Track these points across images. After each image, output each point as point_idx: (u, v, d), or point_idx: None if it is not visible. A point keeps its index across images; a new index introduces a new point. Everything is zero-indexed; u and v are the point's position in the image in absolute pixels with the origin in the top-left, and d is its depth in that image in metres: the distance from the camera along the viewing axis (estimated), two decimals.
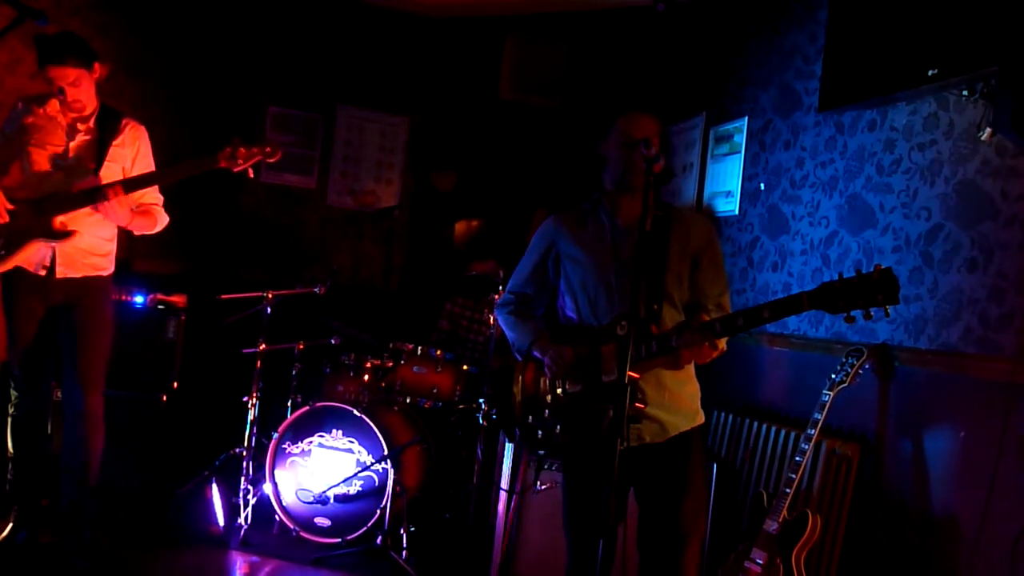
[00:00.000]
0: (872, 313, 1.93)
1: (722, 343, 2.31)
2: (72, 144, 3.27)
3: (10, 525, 3.40)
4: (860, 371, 2.98)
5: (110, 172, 3.30)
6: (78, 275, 3.30)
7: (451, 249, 5.68)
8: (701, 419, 2.48)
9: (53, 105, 3.26)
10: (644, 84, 5.25)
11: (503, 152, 5.66)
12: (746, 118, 4.20)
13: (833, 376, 3.01)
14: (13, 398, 3.37)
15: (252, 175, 3.24)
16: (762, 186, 4.05)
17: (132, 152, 3.37)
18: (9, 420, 3.40)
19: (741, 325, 2.15)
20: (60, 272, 3.26)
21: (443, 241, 5.70)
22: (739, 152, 4.23)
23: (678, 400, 2.42)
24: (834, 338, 3.41)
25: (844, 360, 3.02)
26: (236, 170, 3.20)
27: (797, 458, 3.00)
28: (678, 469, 2.39)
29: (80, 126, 3.29)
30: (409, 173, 5.64)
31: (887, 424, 3.08)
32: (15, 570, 3.28)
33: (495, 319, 4.07)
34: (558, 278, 2.58)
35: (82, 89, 3.21)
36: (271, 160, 3.25)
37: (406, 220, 5.60)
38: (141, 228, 3.40)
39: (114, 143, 3.31)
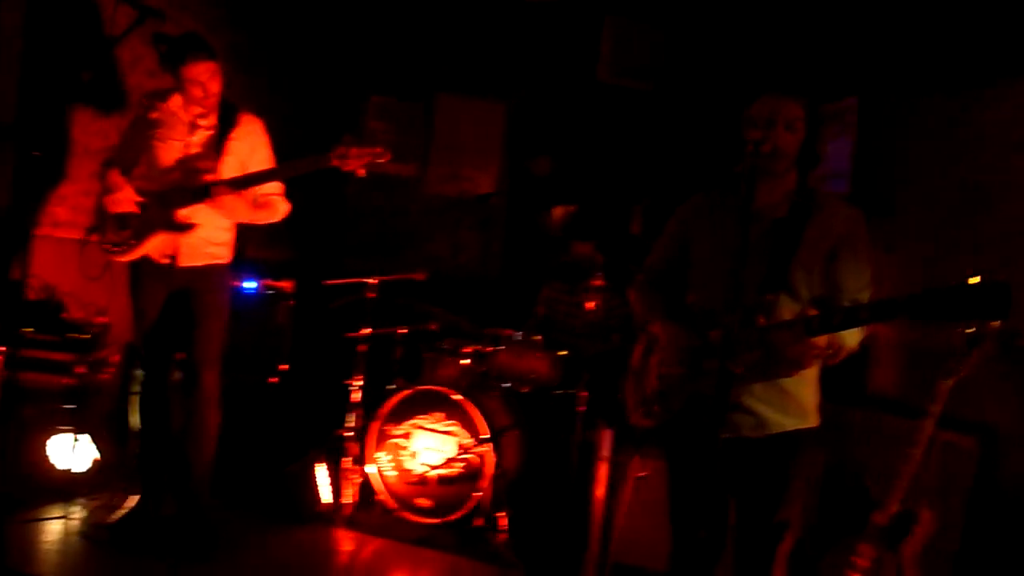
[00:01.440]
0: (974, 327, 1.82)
1: (851, 341, 2.16)
2: (194, 139, 3.41)
3: (136, 498, 3.61)
4: (980, 358, 2.82)
5: (229, 166, 3.43)
6: (199, 264, 3.45)
7: (548, 234, 5.68)
8: (814, 422, 2.36)
9: (176, 100, 3.41)
10: (746, 65, 5.11)
11: (600, 136, 5.61)
12: (857, 97, 4.04)
13: (949, 363, 2.86)
14: (139, 377, 3.57)
15: (362, 174, 3.30)
16: (874, 166, 3.88)
17: (248, 145, 3.49)
18: (138, 399, 3.60)
19: (837, 324, 2.06)
20: (183, 261, 3.42)
21: (540, 226, 5.71)
22: (850, 132, 4.06)
23: (788, 398, 2.30)
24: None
25: (962, 346, 2.86)
26: (346, 169, 3.25)
27: (909, 449, 2.88)
28: (777, 469, 2.30)
29: (201, 121, 3.42)
30: (506, 159, 5.66)
31: (1010, 416, 2.93)
32: (138, 541, 3.47)
33: (594, 304, 4.05)
34: (691, 256, 2.50)
35: (217, 82, 3.36)
36: (380, 161, 3.27)
37: (504, 206, 5.63)
38: (263, 220, 3.51)
39: (231, 136, 3.43)
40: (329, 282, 4.24)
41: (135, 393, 3.59)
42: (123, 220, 3.35)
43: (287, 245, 5.19)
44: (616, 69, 5.56)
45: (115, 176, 3.33)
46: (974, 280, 1.78)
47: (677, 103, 5.43)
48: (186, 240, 3.40)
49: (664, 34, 5.56)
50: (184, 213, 3.34)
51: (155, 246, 3.38)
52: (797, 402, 2.32)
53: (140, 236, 3.35)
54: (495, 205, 5.43)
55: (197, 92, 3.32)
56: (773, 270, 2.25)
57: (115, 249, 3.38)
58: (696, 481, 2.36)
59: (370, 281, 4.14)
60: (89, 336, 3.94)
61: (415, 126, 5.56)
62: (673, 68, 5.53)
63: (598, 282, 4.01)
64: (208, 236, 3.44)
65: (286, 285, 4.41)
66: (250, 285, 4.32)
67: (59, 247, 3.53)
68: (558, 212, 5.62)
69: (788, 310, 2.26)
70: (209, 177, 3.34)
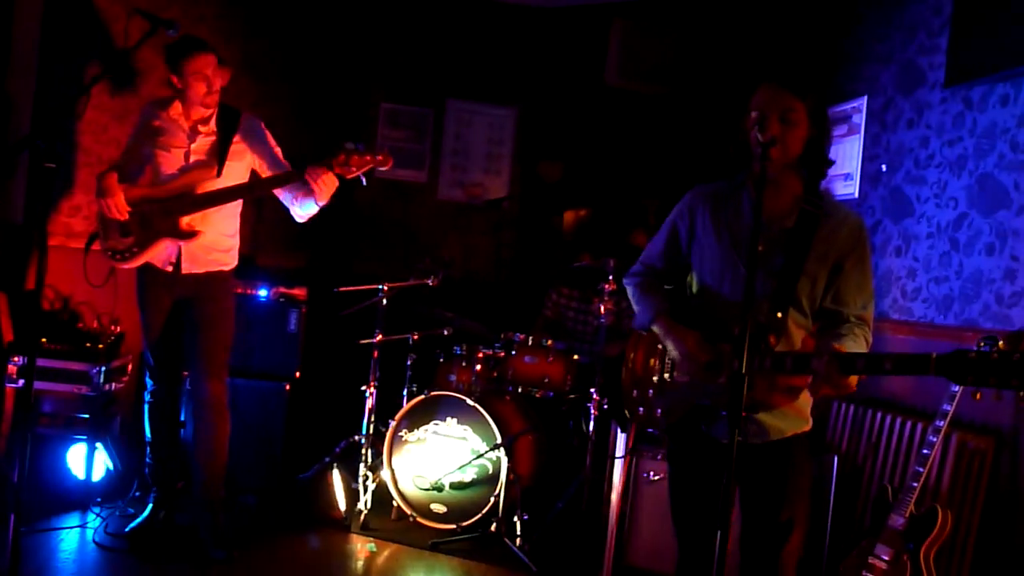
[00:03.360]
0: (1003, 395, 1.78)
1: (851, 382, 2.05)
2: (194, 146, 3.43)
3: (149, 506, 3.63)
4: None
5: (232, 171, 3.44)
6: (201, 271, 3.47)
7: (560, 239, 5.69)
8: (808, 426, 2.33)
9: (176, 108, 3.42)
10: (756, 66, 5.11)
11: (610, 140, 5.62)
12: (865, 97, 4.03)
13: None
14: (148, 387, 3.58)
15: (364, 183, 3.30)
16: (883, 167, 3.88)
17: (250, 145, 3.49)
18: (146, 408, 3.61)
19: (860, 368, 2.00)
20: (185, 268, 3.43)
21: (552, 231, 5.71)
22: (858, 133, 4.06)
23: (788, 405, 2.25)
24: (965, 325, 3.24)
25: (976, 348, 2.85)
26: (349, 177, 3.26)
27: (925, 451, 2.87)
28: (779, 474, 2.28)
29: (201, 128, 3.43)
30: (517, 164, 5.68)
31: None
32: (154, 549, 3.49)
33: (604, 308, 4.05)
34: (690, 253, 2.41)
35: (219, 77, 3.37)
36: (383, 168, 3.28)
37: (515, 211, 5.64)
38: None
39: (234, 140, 3.45)
40: (342, 289, 4.26)
41: (146, 403, 3.60)
42: (125, 228, 3.35)
43: (299, 252, 5.22)
44: (625, 72, 5.57)
45: (111, 180, 3.30)
46: (1003, 347, 1.75)
47: (687, 106, 5.43)
48: (188, 247, 3.41)
49: (673, 37, 5.56)
50: (187, 220, 3.36)
51: (157, 254, 3.39)
52: (796, 408, 2.28)
53: (143, 244, 3.35)
54: (506, 210, 5.44)
55: (202, 87, 3.33)
56: (782, 285, 2.20)
57: (118, 256, 3.38)
58: (700, 486, 2.36)
59: (383, 287, 4.16)
60: (104, 345, 3.97)
61: (425, 132, 5.58)
62: (682, 71, 5.53)
63: (611, 286, 4.00)
64: (211, 243, 3.45)
65: (299, 292, 4.43)
66: (263, 292, 4.34)
67: (74, 257, 3.56)
68: (569, 216, 5.63)
69: (794, 322, 2.23)
70: (209, 185, 3.35)
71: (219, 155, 3.42)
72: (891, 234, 3.79)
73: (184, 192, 3.35)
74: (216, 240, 3.48)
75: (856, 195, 4.05)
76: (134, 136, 3.51)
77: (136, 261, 3.38)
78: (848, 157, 4.13)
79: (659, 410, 2.40)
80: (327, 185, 3.24)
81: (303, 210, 3.43)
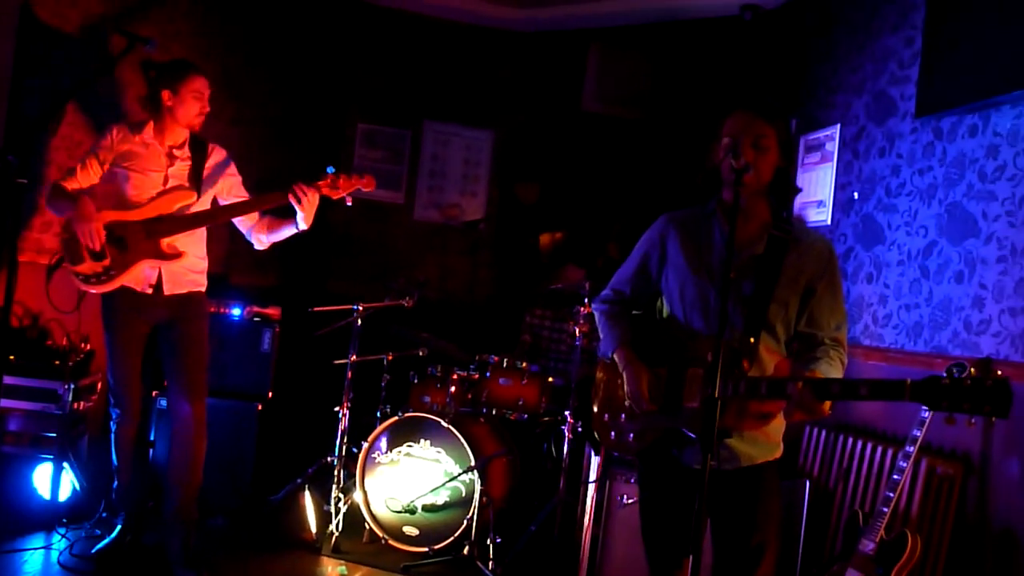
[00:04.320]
0: (974, 422, 1.81)
1: (824, 408, 2.06)
2: (172, 170, 3.42)
3: (117, 527, 3.57)
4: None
5: (206, 195, 3.46)
6: (182, 291, 3.44)
7: (536, 261, 5.71)
8: (779, 453, 2.35)
9: (148, 132, 3.41)
10: (731, 94, 5.18)
11: (586, 163, 5.66)
12: (838, 126, 4.10)
13: None
14: (113, 416, 3.51)
15: (350, 203, 3.39)
16: (855, 195, 3.94)
17: (220, 173, 3.53)
18: (112, 437, 3.55)
19: (835, 393, 2.02)
20: (167, 289, 3.40)
21: (528, 253, 5.73)
22: (831, 161, 4.12)
23: (759, 432, 2.28)
24: (934, 352, 3.29)
25: (945, 375, 2.89)
26: (335, 198, 3.33)
27: (895, 476, 2.90)
28: (749, 500, 2.29)
29: (176, 152, 3.43)
30: (494, 186, 5.70)
31: (992, 444, 2.95)
32: (121, 571, 3.43)
33: (579, 331, 4.06)
34: (660, 279, 2.43)
35: (208, 100, 3.41)
36: (367, 189, 3.39)
37: (491, 232, 5.66)
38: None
39: (206, 166, 3.48)
40: (316, 309, 4.24)
41: (112, 432, 3.53)
42: (99, 251, 3.25)
43: (273, 271, 5.19)
44: (601, 97, 5.62)
45: (89, 206, 3.22)
46: (975, 373, 1.78)
47: (662, 130, 5.49)
48: (169, 268, 3.38)
49: (649, 63, 5.63)
50: (168, 242, 3.33)
51: (136, 276, 3.35)
52: (766, 435, 2.30)
53: (121, 266, 3.29)
54: (483, 231, 5.45)
55: (196, 106, 3.36)
56: (753, 311, 2.23)
57: (93, 280, 3.28)
58: (669, 510, 2.36)
59: (358, 307, 4.14)
60: (73, 363, 3.91)
61: (403, 153, 5.59)
62: (658, 96, 5.60)
63: (586, 308, 4.02)
64: (189, 264, 3.44)
65: (272, 312, 4.40)
66: (236, 312, 4.31)
67: (44, 274, 3.51)
68: (545, 239, 5.66)
69: (766, 348, 2.26)
70: (191, 207, 3.35)
71: (195, 178, 3.42)
72: (863, 261, 3.84)
73: (166, 214, 3.33)
74: (193, 262, 3.47)
75: (829, 222, 4.10)
76: (100, 159, 3.37)
77: (112, 284, 3.30)
78: (821, 185, 4.18)
79: (630, 435, 2.40)
80: (313, 204, 3.32)
81: (269, 238, 3.51)
